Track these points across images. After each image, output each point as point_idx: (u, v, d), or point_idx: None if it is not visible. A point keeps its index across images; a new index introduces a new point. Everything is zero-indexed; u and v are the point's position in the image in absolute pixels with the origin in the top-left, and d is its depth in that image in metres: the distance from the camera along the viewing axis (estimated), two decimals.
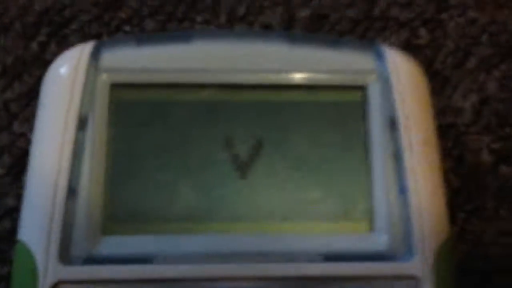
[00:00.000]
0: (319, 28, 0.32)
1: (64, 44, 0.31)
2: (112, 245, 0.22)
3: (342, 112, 0.24)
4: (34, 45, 0.32)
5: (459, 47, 0.32)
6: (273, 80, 0.24)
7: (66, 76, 0.24)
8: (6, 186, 0.28)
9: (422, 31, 0.32)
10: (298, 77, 0.24)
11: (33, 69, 0.31)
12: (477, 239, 0.29)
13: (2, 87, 0.31)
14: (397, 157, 0.23)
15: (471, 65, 0.32)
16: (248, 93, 0.24)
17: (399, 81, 0.24)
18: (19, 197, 0.23)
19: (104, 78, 0.24)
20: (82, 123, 0.23)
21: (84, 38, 0.31)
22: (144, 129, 0.24)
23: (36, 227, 0.22)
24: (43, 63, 0.30)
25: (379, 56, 0.25)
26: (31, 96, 0.30)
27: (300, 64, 0.24)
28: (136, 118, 0.24)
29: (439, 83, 0.31)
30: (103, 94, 0.24)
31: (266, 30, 0.32)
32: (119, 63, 0.24)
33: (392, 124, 0.24)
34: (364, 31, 0.32)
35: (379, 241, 0.22)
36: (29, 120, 0.29)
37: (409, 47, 0.32)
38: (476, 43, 0.32)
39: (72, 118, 0.23)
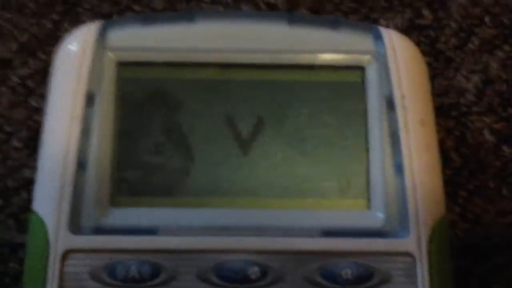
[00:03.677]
0: (323, 9, 0.33)
1: (76, 23, 0.32)
2: (120, 216, 0.23)
3: (341, 92, 0.25)
4: (48, 23, 0.33)
5: (462, 27, 0.32)
6: (274, 59, 0.25)
7: (74, 54, 0.25)
8: (24, 159, 0.30)
9: (426, 11, 0.33)
10: (298, 57, 0.25)
11: (47, 47, 0.32)
12: (478, 218, 0.29)
13: (18, 64, 0.32)
14: (394, 136, 0.24)
15: (474, 46, 0.32)
16: (250, 72, 0.25)
17: (397, 62, 0.25)
18: (35, 169, 0.24)
19: (111, 56, 0.25)
20: (90, 100, 0.24)
21: (95, 17, 0.32)
22: (149, 106, 0.25)
23: (48, 198, 0.23)
24: (57, 40, 0.31)
25: (378, 38, 0.25)
26: (46, 72, 0.31)
27: (300, 44, 0.25)
28: (141, 95, 0.25)
29: (442, 63, 0.32)
30: (110, 72, 0.25)
31: (270, 11, 0.32)
32: (126, 42, 0.25)
33: (390, 104, 0.24)
34: (368, 12, 0.33)
35: (376, 218, 0.23)
36: (44, 95, 0.30)
37: (412, 27, 0.32)
38: (479, 23, 0.32)
39: (80, 95, 0.24)
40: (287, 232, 0.23)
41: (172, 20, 0.26)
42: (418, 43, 0.31)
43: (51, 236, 0.22)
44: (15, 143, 0.30)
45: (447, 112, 0.31)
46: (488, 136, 0.30)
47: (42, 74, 0.31)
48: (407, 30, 0.32)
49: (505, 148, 0.30)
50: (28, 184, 0.29)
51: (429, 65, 0.30)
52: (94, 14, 0.33)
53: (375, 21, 0.32)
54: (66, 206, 0.23)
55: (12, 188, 0.29)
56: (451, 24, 0.32)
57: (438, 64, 0.32)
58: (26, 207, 0.28)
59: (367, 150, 0.24)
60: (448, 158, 0.30)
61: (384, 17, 0.32)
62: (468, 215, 0.29)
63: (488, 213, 0.29)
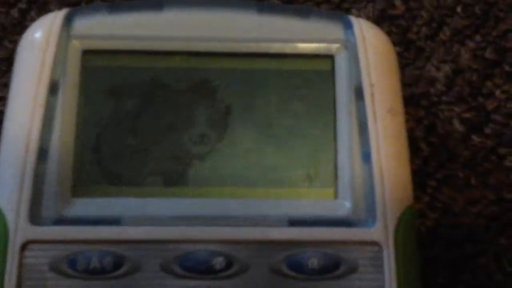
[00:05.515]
0: None
1: (43, 11, 0.32)
2: (81, 206, 0.23)
3: (310, 81, 0.25)
4: (15, 12, 0.32)
5: (433, 18, 0.32)
6: (243, 48, 0.25)
7: (39, 42, 0.24)
8: None
9: (398, 2, 0.32)
10: (267, 45, 0.25)
11: (14, 36, 0.31)
12: (447, 207, 0.29)
13: None
14: (362, 125, 0.24)
15: (445, 36, 0.32)
16: (218, 60, 0.25)
17: (366, 50, 0.25)
18: None
19: (76, 45, 0.24)
20: (53, 88, 0.24)
21: (63, 6, 0.31)
22: (114, 95, 0.24)
23: (7, 187, 0.22)
24: (23, 29, 0.30)
25: (348, 27, 0.25)
26: (11, 62, 0.30)
27: (270, 33, 0.25)
28: (106, 84, 0.24)
29: (413, 53, 0.32)
30: (75, 60, 0.24)
31: None
32: (91, 30, 0.25)
33: (358, 93, 0.24)
34: (339, 2, 0.32)
35: (343, 207, 0.23)
36: (9, 84, 0.29)
37: (384, 18, 0.32)
38: (451, 14, 0.32)
39: (44, 83, 0.23)
40: (253, 221, 0.23)
41: (140, 8, 0.25)
42: (389, 33, 0.31)
43: (11, 226, 0.22)
44: None
45: (417, 102, 0.31)
46: (457, 125, 0.30)
47: (7, 63, 0.31)
48: (378, 20, 0.32)
49: (474, 137, 0.30)
50: None
51: (400, 55, 0.30)
52: (62, 4, 0.32)
53: (347, 11, 0.32)
54: (26, 196, 0.22)
55: None
56: (422, 14, 0.32)
57: (409, 54, 0.32)
58: None
59: (335, 139, 0.24)
60: (417, 147, 0.30)
61: (355, 7, 0.32)
62: (437, 205, 0.29)
63: (457, 203, 0.29)
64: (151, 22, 0.25)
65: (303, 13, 0.25)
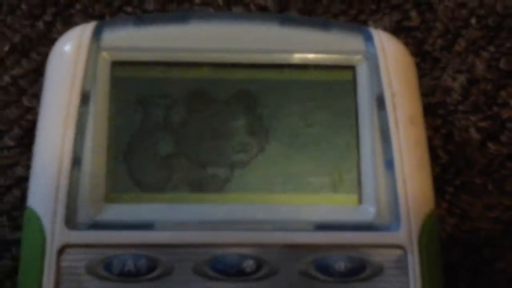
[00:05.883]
0: (313, 10, 0.33)
1: (68, 24, 0.32)
2: (115, 212, 0.23)
3: (332, 91, 0.25)
4: (40, 24, 0.33)
5: (448, 29, 0.33)
6: (267, 59, 0.26)
7: (69, 54, 0.25)
8: (16, 157, 0.30)
9: (413, 14, 0.33)
10: (290, 57, 0.26)
11: (40, 47, 0.32)
12: (465, 213, 0.30)
13: (10, 64, 0.32)
14: (384, 133, 0.25)
15: (460, 47, 0.33)
16: (242, 71, 0.26)
17: (386, 61, 0.25)
18: (28, 167, 0.24)
19: (105, 56, 0.25)
20: (84, 99, 0.24)
21: (87, 18, 0.32)
22: (142, 104, 0.25)
23: (43, 194, 0.23)
24: (50, 41, 0.31)
25: (368, 38, 0.26)
26: (39, 73, 0.31)
27: (293, 45, 0.26)
28: (135, 94, 0.25)
29: (429, 64, 0.32)
30: (105, 71, 0.25)
31: (261, 12, 0.33)
32: (120, 42, 0.25)
33: (380, 102, 0.25)
34: (356, 14, 0.33)
35: (367, 212, 0.24)
36: (37, 95, 0.30)
37: (400, 29, 0.33)
38: (465, 25, 0.33)
39: (75, 94, 0.24)
40: (281, 226, 0.23)
41: (166, 20, 0.26)
42: (405, 45, 0.32)
43: (47, 232, 0.22)
44: (8, 141, 0.30)
45: (434, 111, 0.31)
46: (474, 134, 0.31)
47: (35, 75, 0.31)
48: (394, 32, 0.32)
49: (490, 145, 0.31)
50: (20, 182, 0.29)
51: (416, 65, 0.31)
52: (86, 16, 0.33)
53: (364, 23, 0.33)
54: (61, 202, 0.23)
55: (5, 186, 0.29)
56: (437, 26, 0.33)
57: (425, 64, 0.32)
58: (19, 205, 0.29)
59: (358, 147, 0.25)
60: (436, 155, 0.30)
61: (372, 19, 0.33)
62: (455, 211, 0.30)
63: (475, 208, 0.30)
64: (177, 35, 0.26)
65: (325, 25, 0.26)
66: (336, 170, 0.25)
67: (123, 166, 0.24)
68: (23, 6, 0.33)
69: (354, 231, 0.23)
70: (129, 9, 0.33)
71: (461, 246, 0.29)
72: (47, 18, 0.33)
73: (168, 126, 0.25)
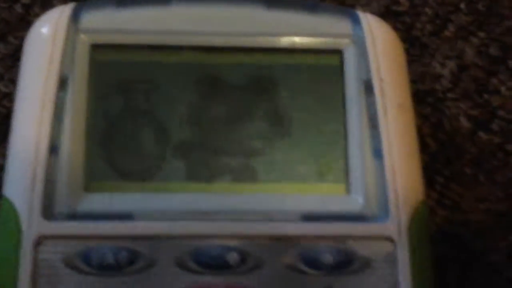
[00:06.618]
0: None
1: (47, 7, 0.31)
2: (94, 201, 0.22)
3: (319, 76, 0.25)
4: (18, 7, 0.32)
5: (437, 14, 0.33)
6: (252, 42, 0.25)
7: (46, 37, 0.24)
8: None
9: None
10: (276, 40, 0.25)
11: (18, 31, 0.31)
12: (456, 204, 0.29)
13: None
14: (372, 120, 0.24)
15: (450, 32, 0.32)
16: (227, 55, 0.25)
17: (375, 45, 0.25)
18: (4, 155, 0.23)
19: (84, 39, 0.24)
20: (62, 83, 0.23)
21: (66, 1, 0.31)
22: (123, 89, 0.24)
23: (19, 183, 0.22)
24: (27, 25, 0.30)
25: (356, 22, 0.25)
26: (16, 57, 0.30)
27: (279, 28, 0.25)
28: (115, 78, 0.24)
29: (418, 49, 0.32)
30: (83, 54, 0.24)
31: None
32: (99, 24, 0.25)
33: (368, 88, 0.24)
34: None
35: (355, 202, 0.23)
36: (14, 80, 0.29)
37: (389, 14, 0.32)
38: (454, 10, 0.33)
39: (52, 78, 0.23)
40: (266, 216, 0.23)
41: (148, 2, 0.25)
42: (394, 30, 0.31)
43: (24, 222, 0.22)
44: None
45: (423, 98, 0.31)
46: (464, 122, 0.31)
47: (12, 59, 0.30)
48: (383, 16, 0.31)
49: (481, 134, 0.30)
50: None
51: (405, 51, 0.30)
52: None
53: (352, 7, 0.32)
54: (38, 192, 0.22)
55: None
56: (427, 10, 0.33)
57: (414, 50, 0.32)
58: None
59: (345, 134, 0.24)
60: (425, 144, 0.30)
61: (360, 3, 0.32)
62: (445, 202, 0.29)
63: (466, 200, 0.29)
64: (159, 17, 0.25)
65: (312, 8, 0.26)
66: (323, 158, 0.24)
67: (102, 154, 0.23)
68: None
69: (342, 222, 0.23)
70: None
71: (452, 238, 0.29)
72: (25, 1, 0.32)
73: (150, 112, 0.24)
